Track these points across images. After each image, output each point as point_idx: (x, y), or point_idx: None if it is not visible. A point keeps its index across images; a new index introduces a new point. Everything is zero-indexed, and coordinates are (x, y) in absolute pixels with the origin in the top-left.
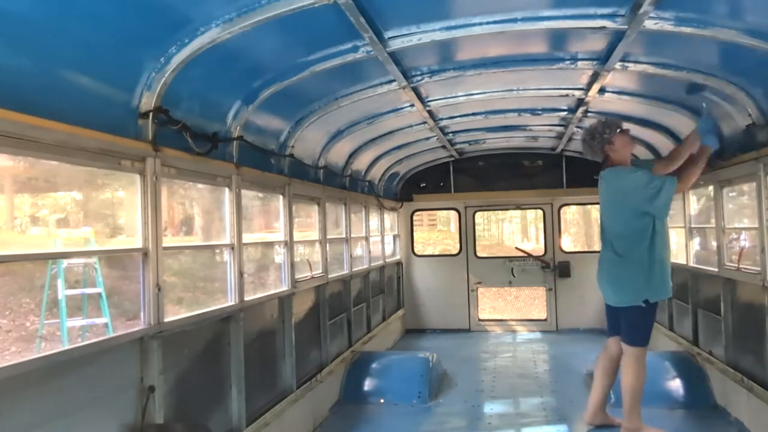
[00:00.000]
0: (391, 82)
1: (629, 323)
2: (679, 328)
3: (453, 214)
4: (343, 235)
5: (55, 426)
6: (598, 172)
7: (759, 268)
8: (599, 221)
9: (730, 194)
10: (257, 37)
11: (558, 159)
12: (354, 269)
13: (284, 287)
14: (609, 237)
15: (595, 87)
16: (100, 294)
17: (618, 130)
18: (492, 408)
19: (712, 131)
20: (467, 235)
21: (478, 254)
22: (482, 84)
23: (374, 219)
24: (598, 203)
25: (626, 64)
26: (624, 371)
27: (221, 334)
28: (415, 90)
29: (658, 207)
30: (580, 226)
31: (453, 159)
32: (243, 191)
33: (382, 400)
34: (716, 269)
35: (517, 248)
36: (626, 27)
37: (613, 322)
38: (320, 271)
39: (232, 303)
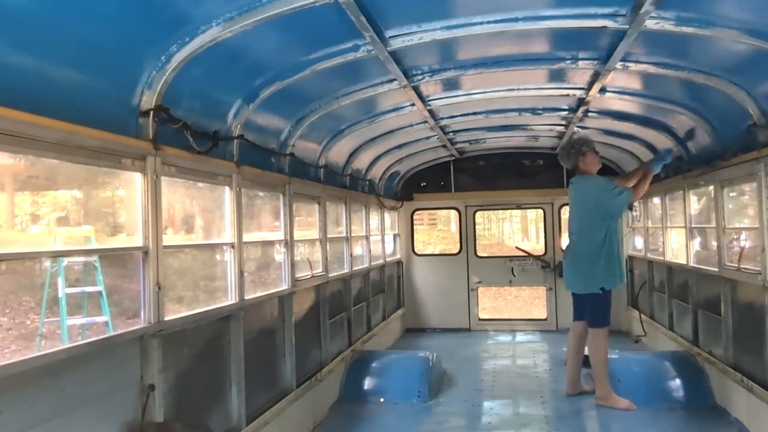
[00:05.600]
0: (391, 81)
1: (590, 308)
2: (679, 328)
3: (453, 213)
4: (344, 234)
5: (55, 424)
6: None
7: (759, 268)
8: (567, 221)
9: (731, 194)
10: (258, 36)
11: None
12: (354, 268)
13: (284, 286)
14: (575, 234)
15: (596, 87)
16: (100, 292)
17: (592, 148)
18: (492, 407)
19: (663, 160)
20: (467, 234)
21: (479, 254)
22: (483, 83)
23: (374, 218)
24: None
25: (627, 63)
26: (590, 349)
27: (221, 333)
28: (416, 89)
29: (616, 205)
30: None
31: (453, 158)
32: (243, 190)
33: (382, 400)
34: (716, 269)
35: (517, 248)
36: (627, 27)
37: (578, 308)
38: (320, 270)
39: (233, 302)
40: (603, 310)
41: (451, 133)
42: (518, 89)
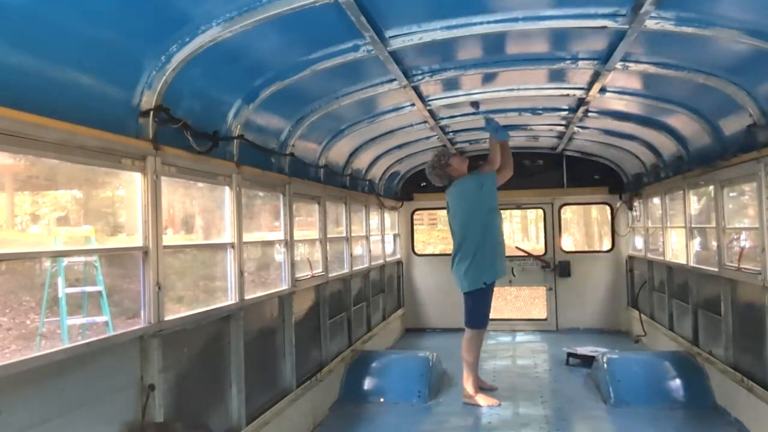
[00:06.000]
0: (391, 81)
1: (468, 307)
2: (679, 328)
3: None
4: (344, 234)
5: (55, 424)
6: (599, 171)
7: (759, 268)
8: (449, 226)
9: (731, 194)
10: (258, 36)
11: (558, 158)
12: (354, 268)
13: (284, 286)
14: (457, 236)
15: (596, 86)
16: (100, 292)
17: (450, 154)
18: (491, 408)
19: (498, 129)
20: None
21: None
22: (483, 83)
23: (374, 218)
24: (597, 203)
25: (627, 63)
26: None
27: (221, 333)
28: (416, 89)
29: (485, 194)
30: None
31: None
32: (243, 190)
33: (381, 399)
34: (716, 269)
35: (517, 248)
36: (627, 27)
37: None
38: (320, 270)
39: (233, 302)
40: (482, 308)
41: (451, 133)
42: (518, 89)
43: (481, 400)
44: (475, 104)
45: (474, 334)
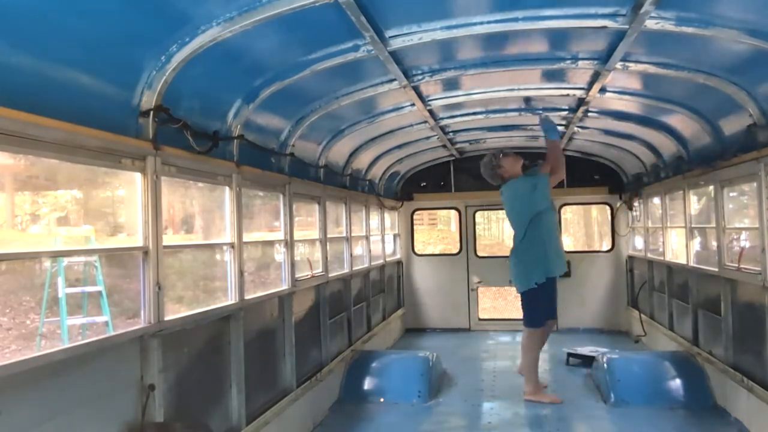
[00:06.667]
0: (391, 81)
1: (523, 306)
2: (679, 328)
3: (453, 213)
4: (344, 234)
5: (55, 424)
6: (599, 171)
7: (759, 268)
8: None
9: (731, 194)
10: (258, 36)
11: None
12: (354, 268)
13: (284, 286)
14: (514, 237)
15: (596, 86)
16: (100, 292)
17: (501, 156)
18: (492, 407)
19: (551, 129)
20: (468, 234)
21: (479, 253)
22: (483, 83)
23: (375, 218)
24: (597, 203)
25: (627, 63)
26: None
27: (221, 333)
28: (416, 89)
29: (537, 196)
30: (581, 226)
31: (453, 158)
32: (243, 190)
33: (381, 399)
34: (716, 269)
35: None
36: (627, 27)
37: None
38: (320, 270)
39: (233, 302)
40: (534, 309)
41: (451, 133)
42: (518, 89)
43: (544, 397)
44: (527, 100)
45: (529, 333)
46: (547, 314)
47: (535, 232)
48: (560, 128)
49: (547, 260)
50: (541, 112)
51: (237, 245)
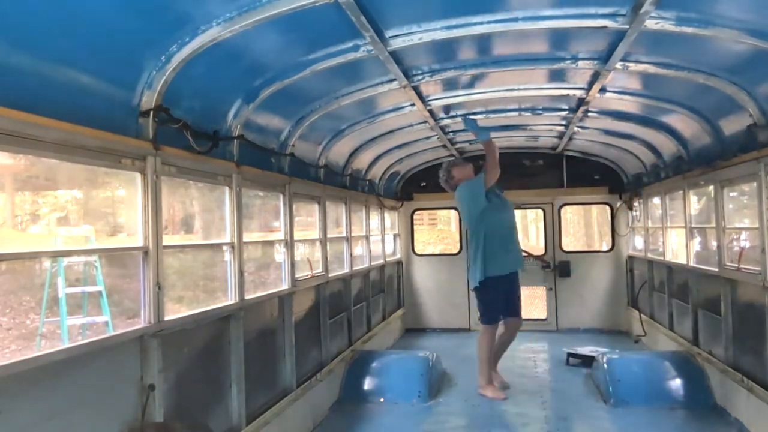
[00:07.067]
0: (391, 81)
1: (477, 304)
2: (679, 328)
3: (453, 213)
4: (344, 234)
5: (55, 424)
6: (599, 171)
7: (759, 268)
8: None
9: (731, 194)
10: (258, 36)
11: (558, 158)
12: (354, 268)
13: (284, 286)
14: (468, 235)
15: (596, 86)
16: (100, 292)
17: (453, 165)
18: (492, 407)
19: (477, 129)
20: (467, 234)
21: None
22: (483, 83)
23: (374, 218)
24: (597, 203)
25: (627, 63)
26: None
27: (221, 333)
28: (416, 89)
29: (474, 198)
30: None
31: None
32: (243, 190)
33: (381, 399)
34: (716, 269)
35: None
36: (627, 27)
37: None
38: (320, 270)
39: (233, 302)
40: (483, 305)
41: (451, 133)
42: (518, 89)
43: (488, 391)
44: (446, 109)
45: (482, 329)
46: (500, 312)
47: (478, 232)
48: (559, 128)
49: (486, 260)
50: (460, 117)
51: (237, 245)
